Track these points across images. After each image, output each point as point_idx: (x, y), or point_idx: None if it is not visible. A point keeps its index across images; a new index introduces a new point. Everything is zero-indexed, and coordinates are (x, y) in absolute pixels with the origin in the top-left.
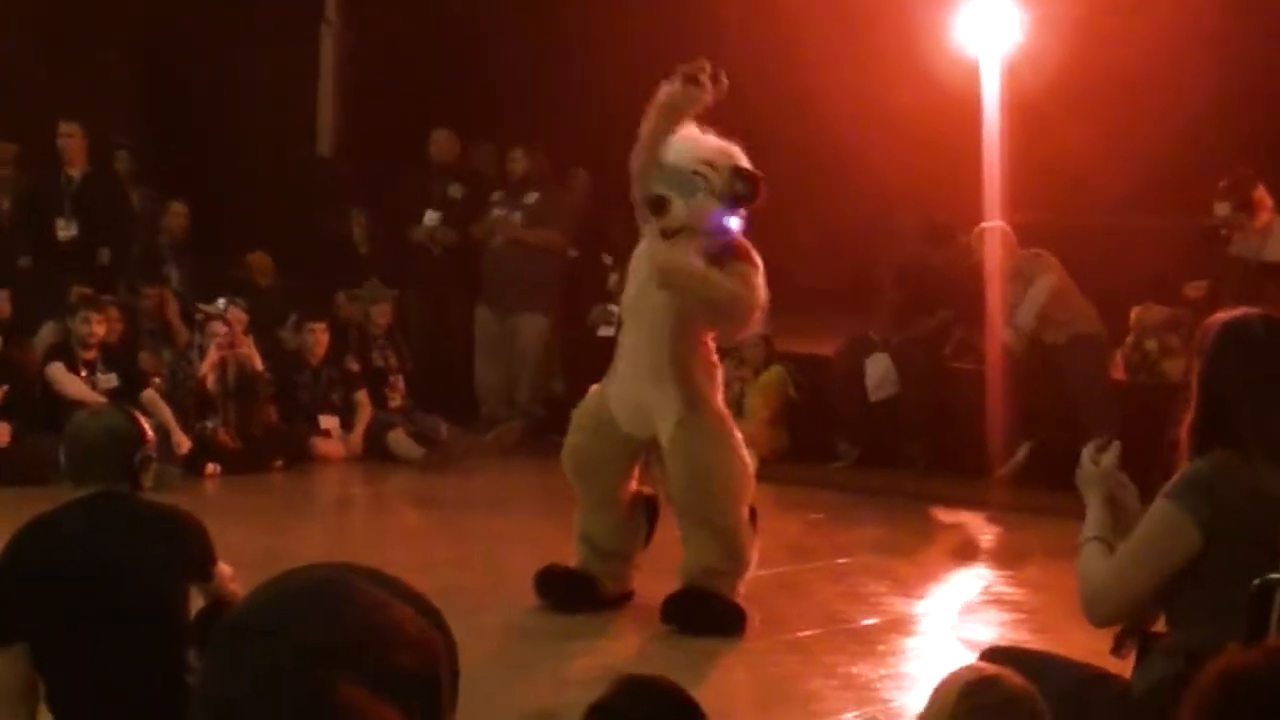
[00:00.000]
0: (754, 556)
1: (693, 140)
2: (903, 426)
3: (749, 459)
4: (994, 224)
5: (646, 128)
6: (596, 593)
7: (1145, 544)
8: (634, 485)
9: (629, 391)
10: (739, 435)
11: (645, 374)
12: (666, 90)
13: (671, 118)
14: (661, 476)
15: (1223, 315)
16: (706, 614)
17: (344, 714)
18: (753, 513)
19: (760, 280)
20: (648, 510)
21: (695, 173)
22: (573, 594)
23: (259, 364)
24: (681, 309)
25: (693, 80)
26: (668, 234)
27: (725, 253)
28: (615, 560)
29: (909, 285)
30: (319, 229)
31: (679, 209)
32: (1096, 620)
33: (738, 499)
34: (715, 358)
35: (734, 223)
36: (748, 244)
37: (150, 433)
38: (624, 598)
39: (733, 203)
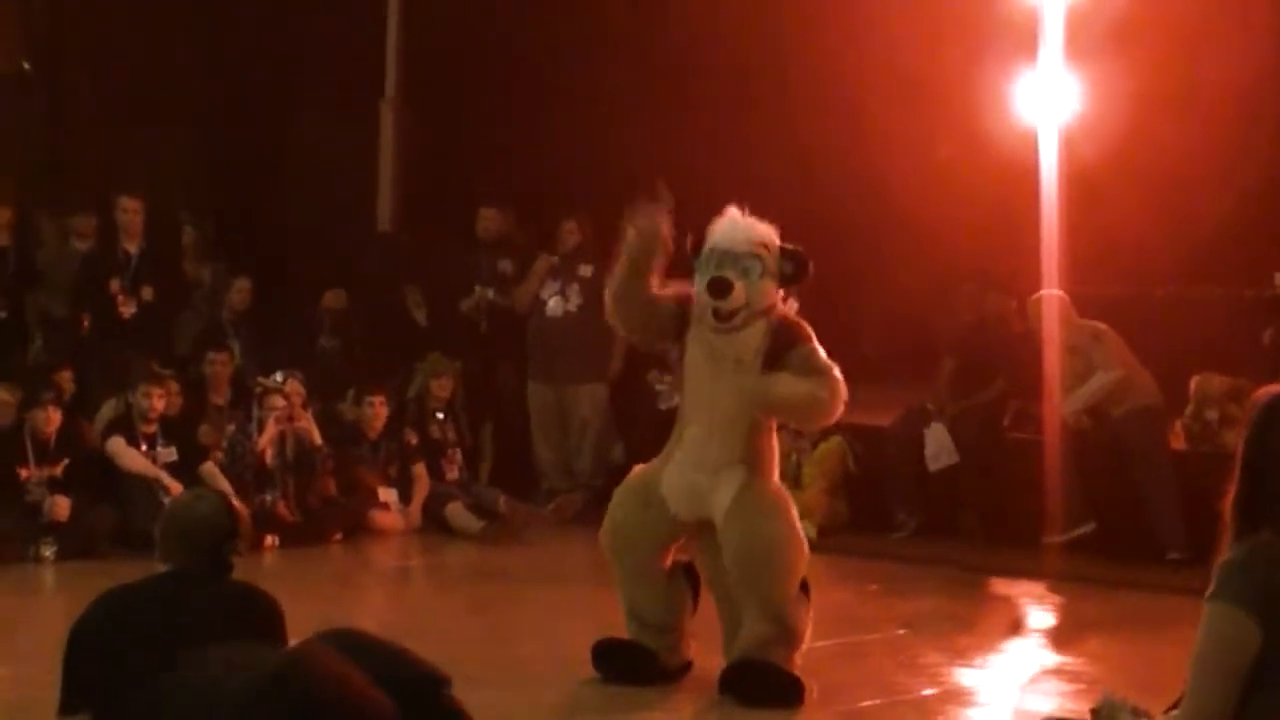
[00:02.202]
0: (807, 629)
1: (739, 223)
2: (960, 497)
3: (804, 534)
4: (1051, 293)
5: (620, 279)
6: (655, 665)
7: (1209, 655)
8: (670, 558)
9: (687, 479)
10: (795, 511)
11: (709, 464)
12: (630, 241)
13: (640, 268)
14: (704, 559)
15: (1269, 389)
16: (764, 685)
17: (307, 660)
18: (805, 585)
19: (836, 371)
20: (688, 577)
21: (753, 254)
22: (631, 666)
23: (318, 437)
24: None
25: (649, 227)
26: (723, 316)
27: (784, 332)
28: (667, 633)
29: (964, 355)
30: (378, 303)
31: (740, 291)
32: None
33: (790, 573)
34: (775, 439)
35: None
36: (802, 322)
37: (244, 523)
38: (682, 669)
39: (783, 282)
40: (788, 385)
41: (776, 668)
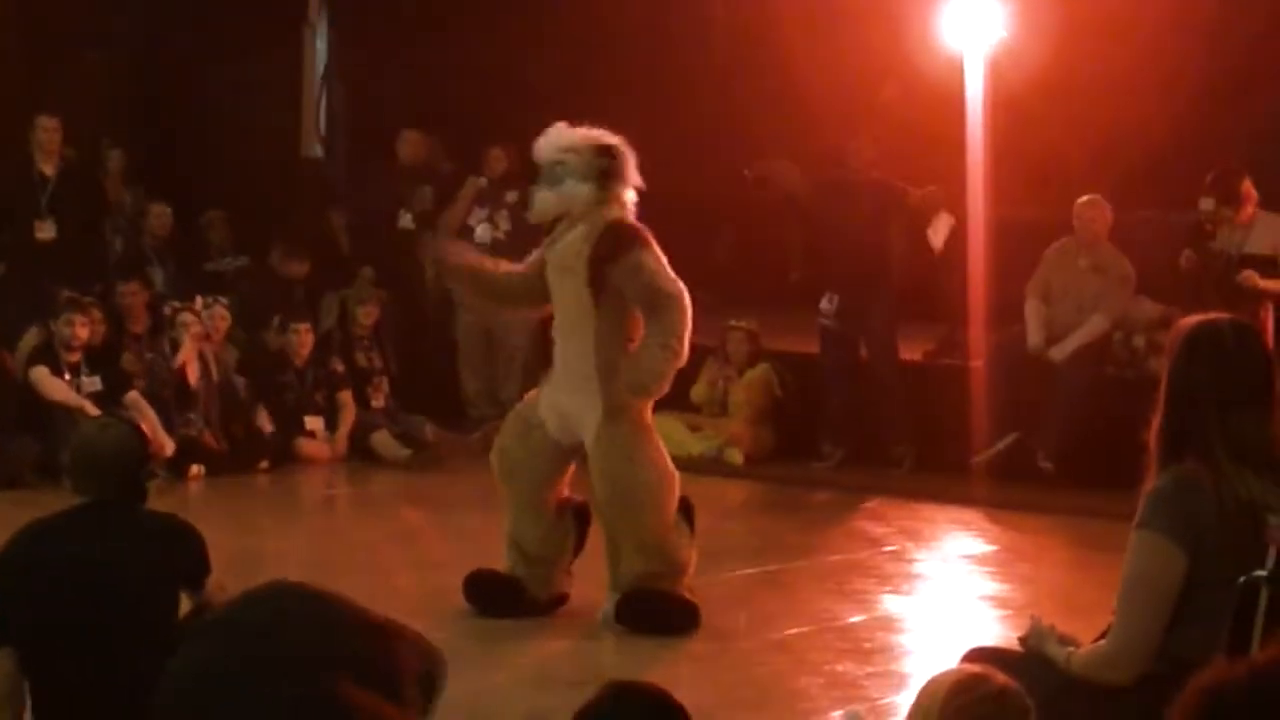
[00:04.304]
0: (689, 556)
1: (553, 133)
2: (890, 430)
3: (669, 463)
4: (1095, 199)
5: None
6: (523, 598)
7: (1137, 582)
8: (564, 492)
9: (558, 400)
10: (658, 442)
11: (574, 383)
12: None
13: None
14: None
15: (1191, 320)
16: (656, 613)
17: (348, 713)
18: (688, 507)
19: (659, 260)
20: (577, 517)
21: (557, 162)
22: (499, 598)
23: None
24: (606, 318)
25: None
26: (544, 230)
27: (608, 237)
28: (542, 565)
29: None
30: (304, 229)
31: (546, 199)
32: (1125, 677)
33: (658, 509)
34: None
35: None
36: (635, 224)
37: (152, 445)
38: (555, 602)
39: (602, 181)
40: (638, 367)
41: (666, 594)
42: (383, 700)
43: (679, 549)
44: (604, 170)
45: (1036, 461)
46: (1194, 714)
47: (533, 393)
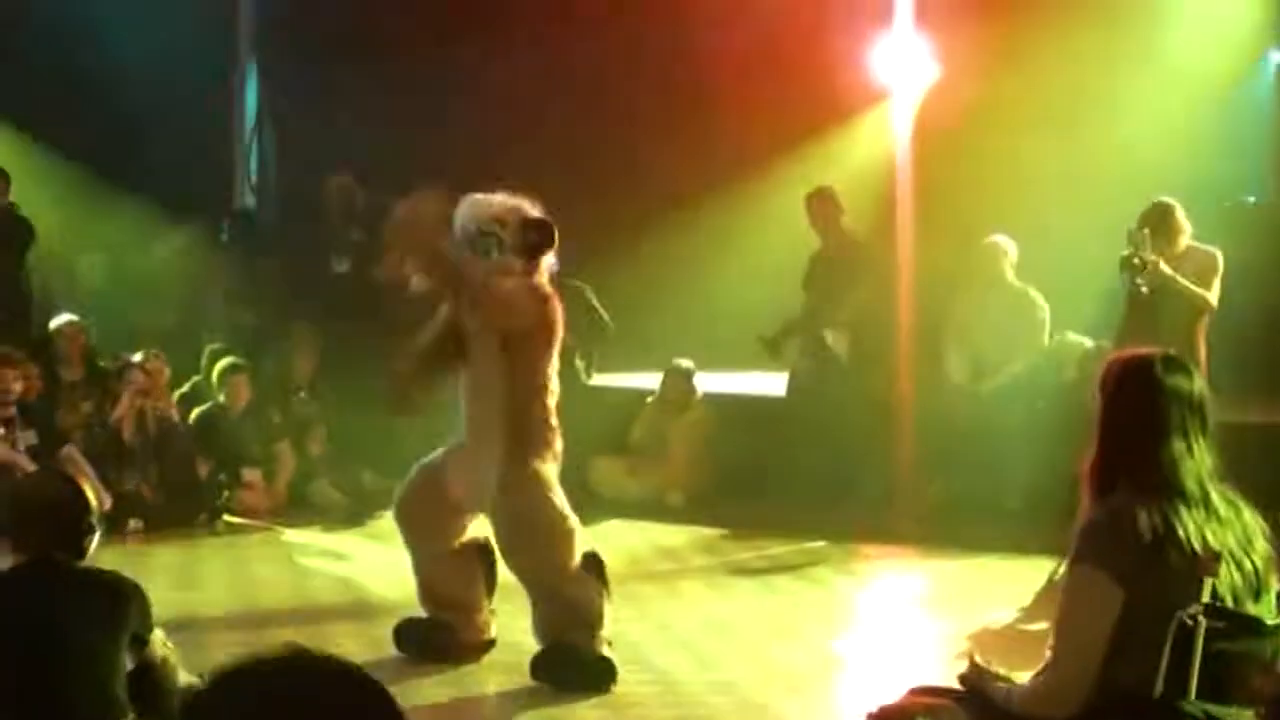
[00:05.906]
0: (600, 609)
1: (479, 203)
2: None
3: (569, 516)
4: (1000, 240)
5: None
6: (453, 641)
7: (1073, 617)
8: (465, 536)
9: (462, 463)
10: (557, 495)
11: (480, 441)
12: None
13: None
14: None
15: (1123, 354)
16: (572, 670)
17: None
18: (597, 562)
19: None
20: (482, 556)
21: (485, 233)
22: (430, 644)
23: (176, 416)
24: (519, 376)
25: None
26: None
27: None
28: (460, 609)
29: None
30: (245, 280)
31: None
32: (1065, 712)
33: (553, 551)
34: (554, 421)
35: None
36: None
37: (94, 501)
38: (485, 646)
39: (530, 253)
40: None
41: (582, 651)
42: None
43: (586, 600)
44: (532, 245)
45: (1003, 503)
46: None
47: (438, 451)
